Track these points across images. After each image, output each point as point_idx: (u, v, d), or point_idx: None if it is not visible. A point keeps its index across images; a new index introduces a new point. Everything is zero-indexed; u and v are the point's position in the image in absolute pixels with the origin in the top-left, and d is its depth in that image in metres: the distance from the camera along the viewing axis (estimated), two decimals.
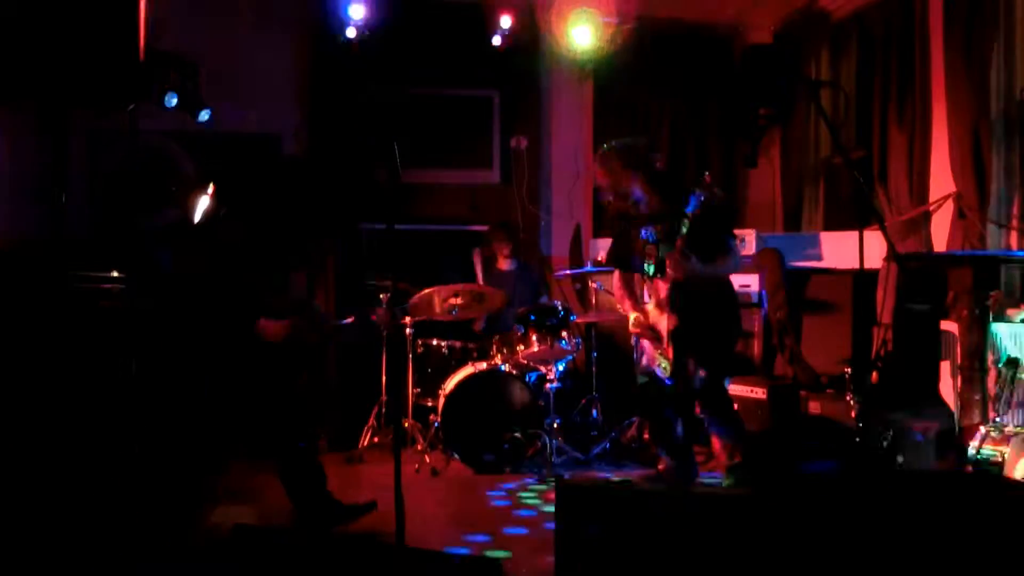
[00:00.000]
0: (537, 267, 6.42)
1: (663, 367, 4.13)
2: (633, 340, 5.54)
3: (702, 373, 4.05)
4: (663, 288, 4.08)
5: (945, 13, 5.12)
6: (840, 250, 5.72)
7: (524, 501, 4.44)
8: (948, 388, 4.74)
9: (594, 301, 5.76)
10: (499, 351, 5.28)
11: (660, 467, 4.49)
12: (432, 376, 5.50)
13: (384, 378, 5.51)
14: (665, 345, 4.08)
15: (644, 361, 4.39)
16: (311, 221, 5.65)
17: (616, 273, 4.47)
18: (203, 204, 4.06)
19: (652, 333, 4.19)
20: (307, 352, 5.24)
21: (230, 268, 3.82)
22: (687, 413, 4.23)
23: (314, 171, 6.48)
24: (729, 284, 4.23)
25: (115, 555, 3.20)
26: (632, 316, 4.31)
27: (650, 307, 4.22)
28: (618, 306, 5.68)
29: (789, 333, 5.44)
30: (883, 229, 3.39)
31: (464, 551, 3.57)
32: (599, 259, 5.75)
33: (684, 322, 3.98)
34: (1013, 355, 4.27)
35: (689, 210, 3.76)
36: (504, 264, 6.03)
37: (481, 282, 5.78)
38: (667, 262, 3.94)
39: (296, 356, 4.11)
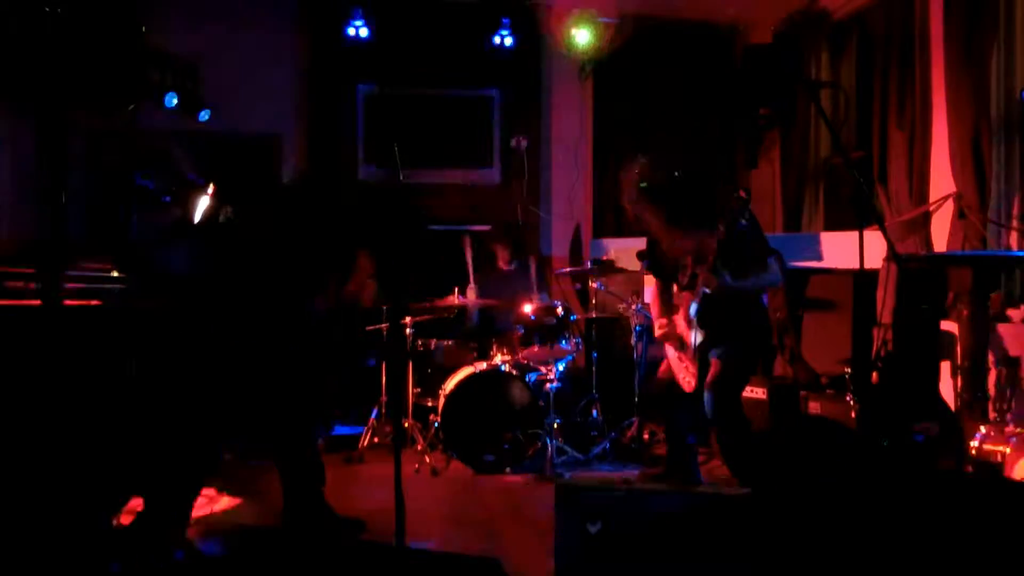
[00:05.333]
0: (537, 266, 6.42)
1: (686, 380, 4.12)
2: (633, 340, 5.56)
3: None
4: (688, 299, 4.07)
5: (945, 13, 5.12)
6: (840, 250, 5.72)
7: (524, 501, 4.44)
8: (948, 388, 4.74)
9: (594, 301, 5.76)
10: (499, 351, 5.29)
11: (660, 467, 4.49)
12: (432, 376, 5.51)
13: (384, 378, 5.51)
14: (691, 357, 4.06)
15: (663, 367, 4.37)
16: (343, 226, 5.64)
17: (655, 281, 4.48)
18: (203, 204, 4.06)
19: (678, 343, 4.18)
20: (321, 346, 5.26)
21: (254, 268, 3.81)
22: (700, 418, 4.22)
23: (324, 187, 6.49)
24: (760, 301, 4.19)
25: (115, 555, 3.20)
26: (657, 323, 4.30)
27: (678, 318, 4.21)
28: (620, 306, 5.69)
29: (789, 333, 5.44)
30: (883, 229, 3.38)
31: (464, 551, 3.57)
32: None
33: (710, 336, 3.97)
34: (1013, 355, 4.27)
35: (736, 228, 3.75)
36: (504, 264, 6.03)
37: (471, 275, 5.77)
38: (699, 276, 3.93)
39: (313, 351, 4.10)
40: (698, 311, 4.00)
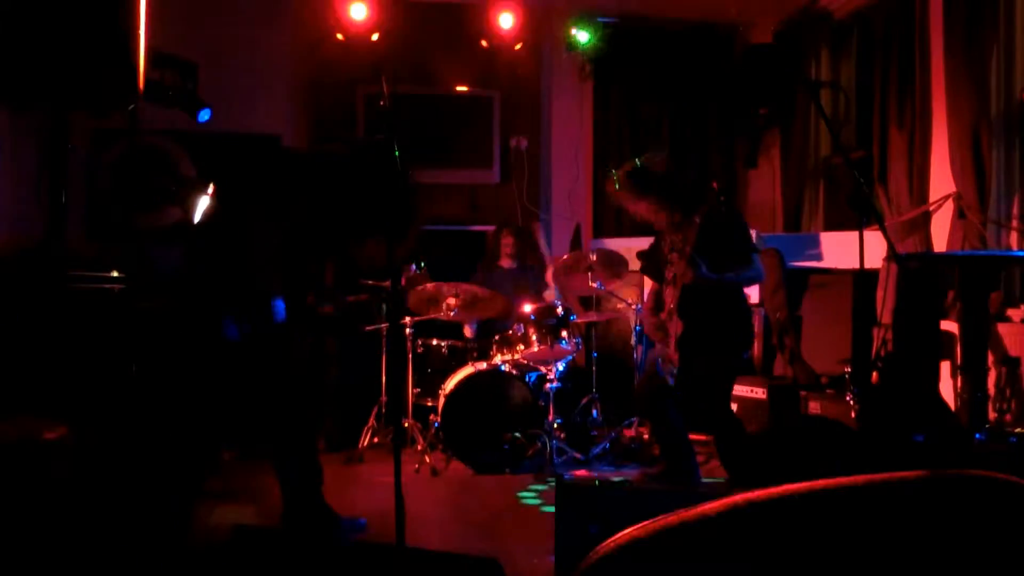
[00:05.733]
0: (538, 266, 6.42)
1: (672, 372, 4.12)
2: (633, 340, 5.56)
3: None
4: (674, 295, 4.07)
5: (945, 13, 5.12)
6: (840, 250, 5.72)
7: (524, 501, 4.44)
8: (948, 388, 4.74)
9: (594, 301, 5.76)
10: (499, 351, 5.28)
11: (660, 467, 4.49)
12: (432, 376, 5.50)
13: (384, 378, 5.51)
14: (672, 350, 4.06)
15: (648, 366, 4.37)
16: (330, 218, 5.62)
17: (650, 282, 4.48)
18: (203, 204, 4.06)
19: (663, 335, 4.18)
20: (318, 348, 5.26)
21: (252, 265, 3.81)
22: (690, 414, 4.22)
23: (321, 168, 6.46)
24: (740, 294, 4.19)
25: (115, 556, 3.20)
26: (647, 320, 4.31)
27: (664, 315, 4.21)
28: (620, 306, 5.70)
29: (789, 333, 5.44)
30: (883, 229, 3.38)
31: (464, 551, 3.56)
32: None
33: (689, 328, 3.97)
34: (1013, 355, 4.28)
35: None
36: (506, 262, 6.03)
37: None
38: (675, 265, 3.93)
39: (312, 352, 4.11)
40: (678, 303, 4.00)
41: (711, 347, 4.00)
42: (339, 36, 6.56)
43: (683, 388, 4.02)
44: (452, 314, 5.41)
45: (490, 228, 6.34)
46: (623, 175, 4.14)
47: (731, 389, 4.27)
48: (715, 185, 3.78)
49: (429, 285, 5.41)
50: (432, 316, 5.52)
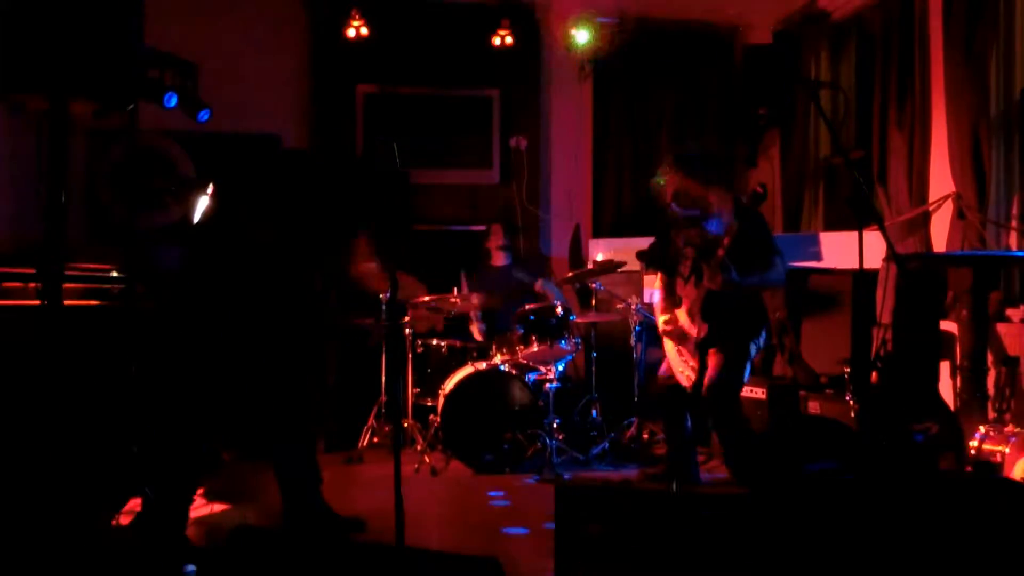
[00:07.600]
0: (532, 264, 6.42)
1: (686, 375, 4.10)
2: (633, 340, 5.56)
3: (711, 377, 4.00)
4: (692, 293, 4.05)
5: (945, 13, 5.12)
6: (840, 250, 5.72)
7: (524, 501, 4.44)
8: (948, 388, 4.74)
9: (594, 301, 5.76)
10: (499, 351, 5.29)
11: (661, 467, 4.49)
12: (432, 376, 5.51)
13: (384, 378, 5.51)
14: (692, 352, 4.04)
15: (663, 368, 4.35)
16: (328, 219, 5.65)
17: (660, 276, 4.45)
18: (202, 204, 4.06)
19: (681, 337, 4.16)
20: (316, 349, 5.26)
21: (257, 265, 3.81)
22: (701, 417, 4.22)
23: (321, 168, 6.48)
24: (760, 298, 4.17)
25: (115, 555, 3.20)
26: (662, 318, 4.29)
27: (680, 312, 4.18)
28: (620, 305, 5.69)
29: (789, 333, 5.44)
30: (883, 229, 3.38)
31: (464, 551, 3.56)
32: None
33: (715, 332, 3.94)
34: (1013, 355, 4.28)
35: (715, 228, 3.74)
36: (499, 259, 6.02)
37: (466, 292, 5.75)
38: (705, 271, 3.91)
39: (310, 352, 4.11)
40: (701, 305, 3.98)
41: (731, 349, 3.98)
42: (339, 36, 6.58)
43: (701, 387, 3.99)
44: (452, 314, 5.42)
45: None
46: (690, 155, 4.10)
47: (741, 387, 4.25)
48: (759, 189, 3.71)
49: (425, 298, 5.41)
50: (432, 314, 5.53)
